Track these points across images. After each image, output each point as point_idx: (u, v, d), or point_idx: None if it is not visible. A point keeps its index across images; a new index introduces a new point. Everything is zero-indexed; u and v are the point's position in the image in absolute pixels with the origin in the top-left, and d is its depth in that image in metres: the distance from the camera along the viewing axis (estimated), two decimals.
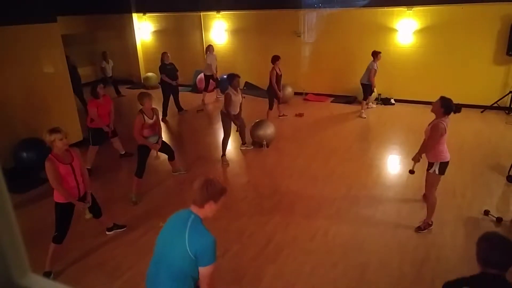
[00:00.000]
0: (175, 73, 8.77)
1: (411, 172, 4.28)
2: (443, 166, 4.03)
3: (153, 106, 5.06)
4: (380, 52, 8.02)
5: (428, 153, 4.08)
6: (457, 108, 3.93)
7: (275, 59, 7.83)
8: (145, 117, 4.91)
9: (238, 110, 6.20)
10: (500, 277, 1.94)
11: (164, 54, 8.72)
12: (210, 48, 9.75)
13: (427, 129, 4.06)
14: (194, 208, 2.17)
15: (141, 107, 4.99)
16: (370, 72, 8.04)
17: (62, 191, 3.52)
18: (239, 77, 6.15)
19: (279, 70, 7.91)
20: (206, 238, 2.07)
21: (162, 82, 8.78)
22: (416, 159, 4.16)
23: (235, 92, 6.07)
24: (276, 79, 7.85)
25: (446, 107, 3.89)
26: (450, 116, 3.96)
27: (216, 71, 9.88)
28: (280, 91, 8.01)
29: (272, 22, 10.29)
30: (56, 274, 3.76)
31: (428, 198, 4.24)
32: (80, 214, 3.87)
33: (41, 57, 6.46)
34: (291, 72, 9.74)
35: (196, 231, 2.08)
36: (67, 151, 3.58)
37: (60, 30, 6.75)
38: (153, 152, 5.29)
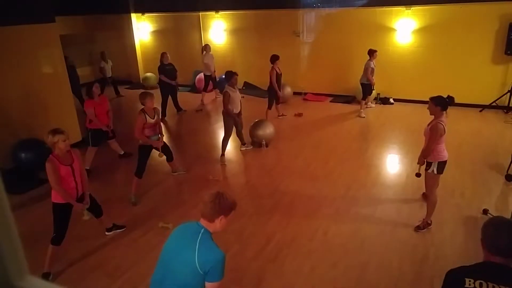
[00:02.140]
0: (174, 74, 8.76)
1: (418, 175, 4.28)
2: (441, 165, 4.04)
3: (154, 106, 5.06)
4: (376, 51, 8.03)
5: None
6: (450, 99, 3.97)
7: (275, 58, 7.83)
8: (147, 116, 4.92)
9: (240, 108, 6.20)
10: (505, 266, 1.82)
11: (163, 54, 8.70)
12: (206, 47, 9.73)
13: (426, 130, 4.07)
14: (203, 222, 2.14)
15: (142, 106, 4.99)
16: (367, 71, 8.06)
17: (61, 192, 3.52)
18: (237, 74, 6.13)
19: (279, 70, 7.90)
20: (216, 254, 2.05)
21: (160, 83, 8.76)
22: (420, 162, 4.18)
23: (233, 89, 6.05)
24: (276, 78, 7.85)
25: (440, 103, 3.94)
26: (448, 111, 3.98)
27: (214, 71, 9.88)
28: (280, 90, 8.01)
29: (271, 22, 10.29)
30: (56, 275, 3.75)
31: (429, 197, 4.24)
32: (78, 215, 3.86)
33: (40, 58, 6.45)
34: (290, 72, 9.73)
35: (207, 246, 2.06)
36: (68, 152, 3.57)
37: (59, 30, 6.75)
38: (157, 153, 5.30)
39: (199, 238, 2.07)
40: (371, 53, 8.02)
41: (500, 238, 1.82)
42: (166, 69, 8.65)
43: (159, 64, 8.70)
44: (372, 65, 8.02)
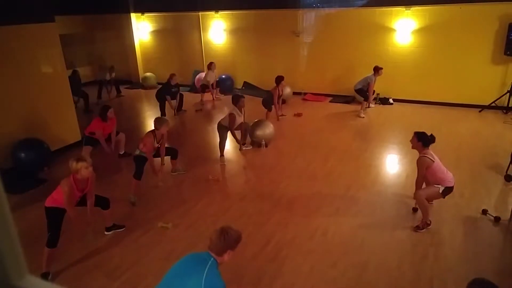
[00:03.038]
0: (176, 95, 8.86)
1: (415, 210, 4.54)
2: (448, 190, 4.17)
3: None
4: (382, 68, 8.09)
5: (428, 183, 4.27)
6: (432, 138, 4.19)
7: (280, 79, 7.97)
8: (155, 140, 5.05)
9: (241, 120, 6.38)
10: None
11: (172, 76, 8.66)
12: (211, 66, 9.75)
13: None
14: (212, 254, 2.35)
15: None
16: (369, 86, 8.18)
17: (70, 210, 3.69)
18: (244, 97, 6.29)
19: (281, 91, 8.07)
20: (220, 284, 2.24)
21: (160, 98, 8.75)
22: (416, 196, 4.28)
23: (239, 113, 6.23)
24: (277, 99, 8.06)
25: (422, 140, 4.16)
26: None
27: (213, 87, 10.00)
28: (279, 108, 8.25)
29: (271, 22, 10.29)
30: (55, 275, 3.75)
31: (417, 200, 4.25)
32: (77, 217, 3.88)
33: (39, 57, 6.44)
34: (290, 72, 9.74)
35: (214, 274, 2.25)
36: (87, 177, 3.74)
37: (58, 30, 6.74)
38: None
39: (208, 264, 2.27)
40: (377, 70, 8.10)
41: None
42: (172, 92, 8.70)
43: (166, 82, 8.72)
44: (374, 81, 8.13)
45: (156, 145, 5.16)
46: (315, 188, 5.30)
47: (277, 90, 7.95)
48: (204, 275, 2.19)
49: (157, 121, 5.09)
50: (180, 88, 9.31)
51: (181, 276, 2.28)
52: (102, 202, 4.19)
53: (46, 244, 3.66)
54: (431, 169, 4.11)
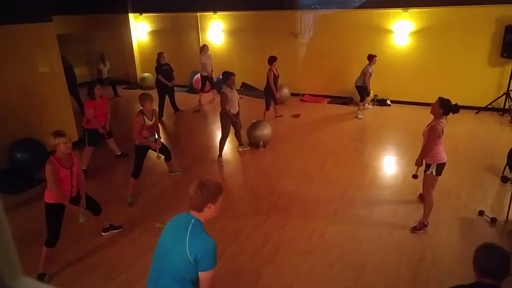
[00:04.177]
0: (171, 74, 8.76)
1: (415, 177, 4.27)
2: (440, 167, 4.07)
3: (153, 108, 5.06)
4: (375, 56, 8.07)
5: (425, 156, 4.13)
6: (456, 108, 3.98)
7: (272, 59, 7.83)
8: (145, 118, 4.92)
9: (238, 108, 6.19)
10: (496, 287, 2.03)
11: (160, 54, 8.68)
12: (204, 48, 9.74)
13: (424, 131, 4.09)
14: (193, 213, 2.15)
15: (140, 108, 4.99)
16: (365, 76, 8.12)
17: (58, 194, 3.53)
18: (234, 75, 6.10)
19: (276, 71, 7.90)
20: (206, 243, 2.04)
21: (158, 83, 8.75)
22: (418, 163, 4.19)
23: (230, 90, 6.04)
24: (274, 80, 7.84)
25: (445, 107, 3.95)
26: (448, 117, 4.02)
27: (212, 71, 9.88)
28: (277, 91, 8.02)
29: (269, 23, 10.29)
30: (51, 276, 3.73)
31: (425, 198, 4.25)
32: (74, 217, 3.85)
33: (37, 57, 6.42)
34: (288, 73, 9.74)
35: (197, 236, 2.06)
36: (69, 155, 3.58)
37: (56, 30, 6.72)
38: (154, 154, 5.29)
39: (189, 228, 2.07)
40: (371, 58, 8.07)
41: (490, 263, 2.05)
42: (163, 69, 8.64)
43: (155, 64, 8.69)
44: (370, 70, 8.09)
45: (150, 122, 4.97)
46: (313, 189, 5.30)
47: (272, 72, 7.80)
48: (187, 241, 2.02)
49: (140, 98, 4.95)
50: (179, 88, 9.30)
51: (168, 249, 2.13)
52: (94, 207, 4.06)
53: (45, 243, 3.62)
54: (440, 140, 3.98)
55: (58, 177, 3.48)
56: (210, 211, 2.13)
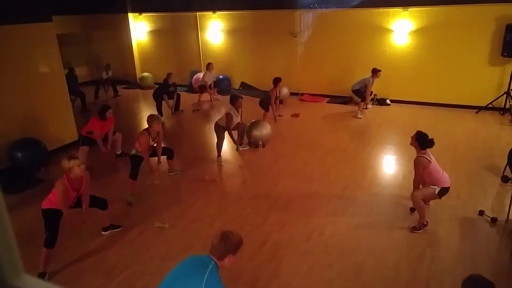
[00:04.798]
0: (174, 95, 8.87)
1: (413, 210, 4.50)
2: (444, 191, 4.18)
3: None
4: (380, 70, 8.10)
5: (424, 183, 4.29)
6: (431, 142, 4.15)
7: (277, 81, 7.98)
8: (150, 138, 5.02)
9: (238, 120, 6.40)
10: None
11: (169, 75, 8.71)
12: (209, 66, 9.79)
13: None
14: (213, 258, 2.35)
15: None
16: (366, 87, 8.23)
17: (66, 212, 3.69)
18: (242, 98, 6.32)
19: (279, 92, 8.09)
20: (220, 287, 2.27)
21: (157, 97, 8.75)
22: (412, 194, 4.29)
23: (236, 113, 6.26)
24: (275, 100, 8.07)
25: (420, 140, 4.15)
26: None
27: (211, 87, 10.02)
28: (276, 110, 8.23)
29: (268, 22, 10.29)
30: (51, 275, 3.74)
31: (414, 200, 4.25)
32: (71, 217, 3.87)
33: (36, 57, 6.42)
34: (287, 73, 9.75)
35: (214, 278, 2.26)
36: (80, 177, 3.73)
37: (56, 30, 6.72)
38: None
39: (209, 268, 2.27)
40: (375, 72, 8.10)
41: None
42: (169, 91, 8.75)
43: (163, 81, 8.74)
44: (371, 83, 8.17)
45: (152, 143, 5.14)
46: (312, 189, 5.30)
47: (275, 91, 7.97)
48: (205, 278, 2.20)
49: (148, 119, 5.07)
50: (178, 88, 9.32)
51: (181, 278, 2.29)
52: (100, 203, 4.19)
53: (44, 244, 3.65)
54: (428, 170, 4.13)
55: (68, 196, 3.67)
56: (229, 260, 2.37)
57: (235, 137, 6.51)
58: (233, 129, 6.37)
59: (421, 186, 4.34)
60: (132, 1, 12.08)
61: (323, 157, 6.34)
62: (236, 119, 6.30)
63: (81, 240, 4.21)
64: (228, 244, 2.34)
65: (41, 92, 6.46)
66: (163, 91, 8.69)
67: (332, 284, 3.50)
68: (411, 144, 4.31)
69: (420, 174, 4.20)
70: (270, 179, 5.66)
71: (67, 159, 3.62)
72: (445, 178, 4.17)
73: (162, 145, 5.47)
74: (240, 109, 6.35)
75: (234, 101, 6.24)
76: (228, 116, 6.14)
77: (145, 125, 5.16)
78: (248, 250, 3.99)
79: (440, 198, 4.24)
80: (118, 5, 11.93)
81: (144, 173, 5.26)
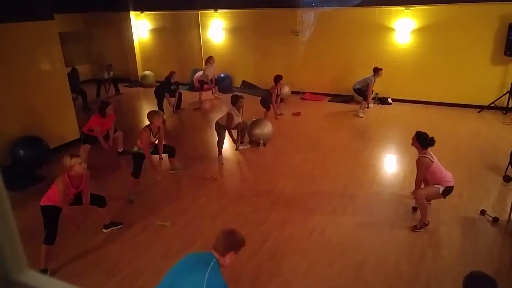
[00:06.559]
0: (175, 93, 8.88)
1: (415, 209, 4.52)
2: (448, 190, 4.17)
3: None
4: (381, 69, 8.07)
5: (427, 183, 4.31)
6: (432, 141, 4.16)
7: (278, 78, 7.98)
8: (151, 134, 5.02)
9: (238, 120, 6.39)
10: None
11: (172, 73, 8.70)
12: (210, 60, 9.75)
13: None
14: (215, 254, 2.36)
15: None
16: (368, 87, 8.21)
17: (65, 208, 3.73)
18: (243, 98, 6.33)
19: (280, 90, 8.07)
20: (222, 285, 2.27)
21: (159, 95, 8.76)
22: (415, 194, 4.30)
23: (237, 113, 6.26)
24: (276, 98, 8.08)
25: (420, 140, 4.16)
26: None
27: (212, 82, 10.00)
28: (277, 108, 8.24)
29: (270, 21, 10.28)
30: (53, 272, 3.75)
31: (417, 199, 4.26)
32: (71, 214, 3.89)
33: (38, 55, 6.43)
34: (289, 71, 9.74)
35: (216, 275, 2.27)
36: (81, 175, 3.78)
37: (57, 28, 6.72)
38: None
39: (211, 265, 2.28)
40: (376, 70, 8.08)
41: None
42: (171, 89, 8.74)
43: (165, 79, 8.74)
44: (373, 81, 8.16)
45: (153, 139, 5.13)
46: (313, 187, 5.30)
47: (276, 89, 7.97)
48: (207, 275, 2.21)
49: (149, 114, 5.08)
50: (179, 86, 9.32)
51: (183, 275, 2.29)
52: (98, 201, 4.20)
53: (44, 241, 3.68)
54: (430, 170, 4.12)
55: (67, 193, 3.71)
56: (230, 258, 2.38)
57: (235, 137, 6.50)
58: (233, 129, 6.37)
59: (422, 185, 4.34)
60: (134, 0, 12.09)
61: (324, 155, 6.34)
62: (237, 119, 6.31)
63: (84, 239, 4.22)
64: (233, 239, 2.36)
65: (43, 90, 6.47)
66: (165, 89, 8.69)
67: (332, 282, 3.50)
68: (412, 144, 4.32)
69: (423, 174, 4.19)
70: (271, 177, 5.67)
71: (68, 157, 3.66)
72: (449, 177, 4.16)
73: (164, 143, 5.48)
74: (241, 109, 6.36)
75: (236, 101, 6.25)
76: (229, 116, 6.15)
77: (147, 123, 5.17)
78: (249, 248, 3.99)
79: (444, 198, 4.22)
80: (120, 3, 11.93)
81: (147, 170, 5.27)
